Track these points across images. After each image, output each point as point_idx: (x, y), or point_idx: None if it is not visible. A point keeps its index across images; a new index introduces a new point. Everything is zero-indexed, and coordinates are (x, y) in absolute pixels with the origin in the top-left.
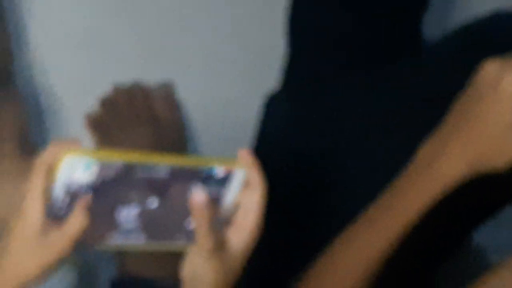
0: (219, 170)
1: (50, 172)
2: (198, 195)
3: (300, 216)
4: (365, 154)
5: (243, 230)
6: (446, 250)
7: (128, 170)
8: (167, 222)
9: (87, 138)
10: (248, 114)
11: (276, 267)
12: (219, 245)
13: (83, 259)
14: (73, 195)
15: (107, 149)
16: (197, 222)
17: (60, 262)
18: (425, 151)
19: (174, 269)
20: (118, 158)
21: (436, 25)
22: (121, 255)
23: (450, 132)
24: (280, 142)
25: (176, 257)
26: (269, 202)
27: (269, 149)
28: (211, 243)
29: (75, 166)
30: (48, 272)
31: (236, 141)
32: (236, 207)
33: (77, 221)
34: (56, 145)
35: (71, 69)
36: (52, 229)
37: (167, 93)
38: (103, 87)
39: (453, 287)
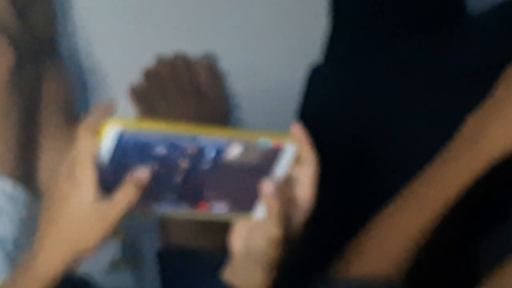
0: (270, 144)
1: (95, 138)
2: (268, 186)
3: (346, 188)
4: (409, 125)
5: (298, 206)
6: (488, 223)
7: (173, 141)
8: (214, 193)
9: (131, 109)
10: (291, 86)
11: (324, 242)
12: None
13: (126, 230)
14: (117, 164)
15: (151, 119)
16: (269, 212)
17: (112, 233)
18: (470, 124)
19: (219, 240)
20: (163, 128)
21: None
22: (164, 226)
23: (496, 106)
24: (323, 114)
25: (220, 229)
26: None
27: (313, 121)
28: (280, 232)
29: (117, 135)
30: (101, 242)
31: (279, 113)
32: (286, 182)
33: (129, 193)
34: (98, 110)
35: (115, 40)
36: (103, 198)
37: (210, 64)
38: (146, 58)
39: (495, 260)
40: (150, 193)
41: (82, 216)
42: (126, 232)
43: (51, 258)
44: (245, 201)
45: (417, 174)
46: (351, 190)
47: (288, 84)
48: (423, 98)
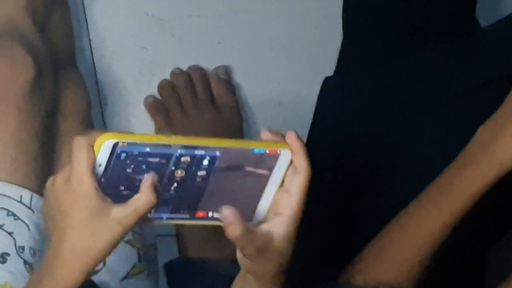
0: (265, 151)
1: (90, 151)
2: (227, 212)
3: (355, 197)
4: (419, 136)
5: (285, 216)
6: (499, 229)
7: (168, 151)
8: (211, 202)
9: (147, 120)
10: (305, 98)
11: (328, 252)
12: (262, 246)
13: (143, 238)
14: (112, 177)
15: (148, 133)
16: (232, 240)
17: (121, 240)
18: (482, 133)
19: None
20: (156, 140)
21: (490, 11)
22: (181, 236)
23: (508, 117)
24: (335, 125)
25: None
26: (325, 184)
27: (325, 132)
28: (252, 249)
29: (112, 148)
30: (111, 250)
31: (293, 125)
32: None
33: (146, 198)
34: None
35: (131, 54)
36: (114, 205)
37: (225, 76)
38: (162, 71)
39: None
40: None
41: (91, 225)
42: (142, 240)
43: (70, 271)
44: (242, 208)
45: (427, 185)
46: (361, 199)
47: (301, 96)
48: (433, 110)
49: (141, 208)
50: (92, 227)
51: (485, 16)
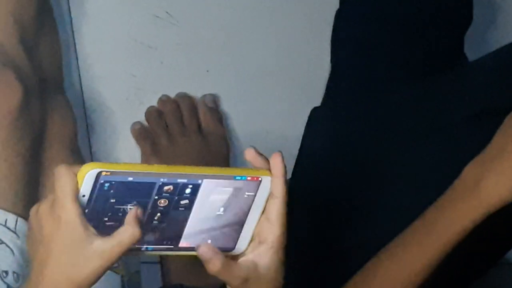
0: (246, 178)
1: (75, 179)
2: (203, 250)
3: (341, 226)
4: (405, 170)
5: (269, 244)
6: (481, 267)
7: (150, 181)
8: (194, 231)
9: (134, 147)
10: (292, 128)
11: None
12: (247, 276)
13: (127, 266)
14: (96, 207)
15: (129, 163)
16: (214, 275)
17: (106, 271)
18: (469, 172)
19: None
20: (139, 169)
21: (477, 45)
22: (164, 263)
23: (498, 153)
24: (322, 156)
25: None
26: (312, 212)
27: (311, 162)
28: (237, 280)
29: (95, 177)
30: (95, 280)
31: None
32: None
33: (130, 232)
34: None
35: (119, 79)
36: (96, 237)
37: (212, 105)
38: (150, 98)
39: None
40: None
41: (72, 255)
42: (126, 267)
43: None
44: (226, 237)
45: (411, 219)
46: (343, 231)
47: (288, 126)
48: (420, 143)
49: (124, 242)
50: (72, 257)
51: (473, 50)
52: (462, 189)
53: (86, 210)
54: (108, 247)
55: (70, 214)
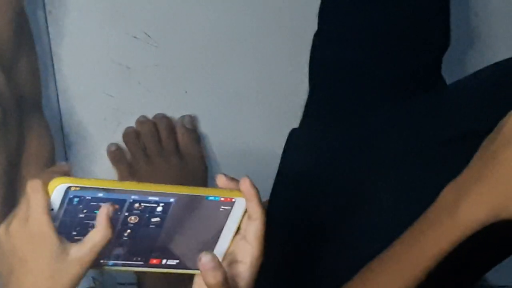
0: (220, 199)
1: (46, 193)
2: (206, 259)
3: (319, 247)
4: (383, 192)
5: (247, 264)
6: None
7: (121, 197)
8: (165, 248)
9: (112, 168)
10: (270, 149)
11: None
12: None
13: (103, 282)
14: (66, 222)
15: (100, 179)
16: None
17: (81, 278)
18: (447, 194)
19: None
20: (110, 185)
21: (455, 68)
22: (140, 278)
23: (474, 176)
24: (300, 177)
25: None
26: (290, 233)
27: (290, 184)
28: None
29: (65, 192)
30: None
31: (257, 176)
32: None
33: (102, 232)
34: (50, 170)
35: (97, 100)
36: (71, 245)
37: (190, 126)
38: (128, 119)
39: None
40: (102, 248)
41: (51, 268)
42: (102, 284)
43: None
44: (197, 256)
45: (388, 241)
46: (321, 252)
47: (267, 147)
48: (398, 166)
49: (98, 243)
50: (52, 269)
51: (450, 73)
52: (439, 212)
53: (56, 224)
54: (84, 252)
55: (45, 227)
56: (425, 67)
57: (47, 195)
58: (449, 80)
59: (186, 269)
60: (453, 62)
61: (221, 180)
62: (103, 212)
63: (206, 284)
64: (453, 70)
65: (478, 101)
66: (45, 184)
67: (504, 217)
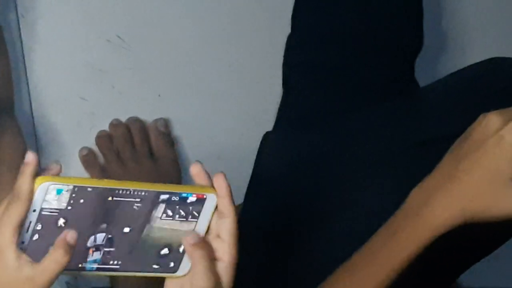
0: (191, 195)
1: (19, 202)
2: (191, 238)
3: (292, 251)
4: (357, 195)
5: (226, 262)
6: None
7: (100, 197)
8: (140, 250)
9: (85, 172)
10: (244, 153)
11: None
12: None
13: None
14: (46, 222)
15: (80, 177)
16: (195, 265)
17: None
18: (416, 196)
19: None
20: (89, 184)
21: (428, 71)
22: (114, 283)
23: (443, 179)
24: (274, 180)
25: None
26: (264, 236)
27: (264, 187)
28: (209, 283)
29: (48, 192)
30: None
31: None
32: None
33: (56, 258)
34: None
35: (70, 103)
36: (26, 264)
37: (164, 129)
38: (101, 122)
39: None
40: (76, 252)
41: (7, 283)
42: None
43: None
44: (169, 257)
45: (362, 243)
46: (296, 255)
47: (241, 150)
48: (372, 169)
49: (51, 268)
50: (4, 282)
51: (423, 76)
52: (407, 214)
53: (39, 225)
54: (37, 273)
55: (5, 241)
56: (398, 70)
57: (23, 208)
58: (422, 83)
59: (161, 272)
60: (426, 64)
61: (196, 167)
62: (61, 238)
63: (196, 260)
64: (426, 73)
65: (450, 105)
66: (27, 196)
67: (474, 219)
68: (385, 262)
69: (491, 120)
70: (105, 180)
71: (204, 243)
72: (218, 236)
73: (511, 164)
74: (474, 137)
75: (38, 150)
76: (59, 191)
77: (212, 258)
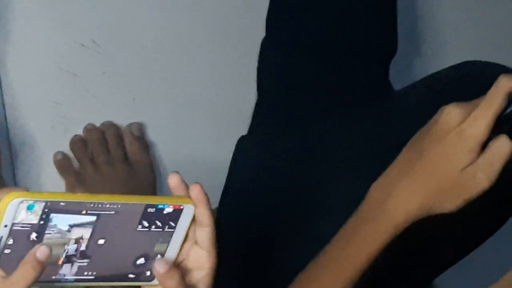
0: (168, 207)
1: None
2: (160, 266)
3: (269, 254)
4: (334, 198)
5: (207, 270)
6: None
7: (73, 210)
8: (116, 260)
9: (59, 176)
10: (219, 157)
11: None
12: None
13: None
14: (18, 237)
15: (52, 191)
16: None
17: None
18: (375, 191)
19: None
20: (62, 198)
21: (402, 74)
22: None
23: (404, 171)
24: (249, 185)
25: None
26: (239, 241)
27: (239, 192)
28: None
29: (19, 208)
30: None
31: (206, 184)
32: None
33: (27, 273)
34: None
35: (44, 107)
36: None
37: (139, 133)
38: (75, 126)
39: None
40: (50, 264)
41: None
42: None
43: None
44: (145, 266)
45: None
46: (272, 258)
47: (215, 155)
48: (348, 173)
49: (18, 283)
50: None
51: (398, 79)
52: (369, 209)
53: (10, 240)
54: (6, 287)
55: None
56: (372, 73)
57: None
58: (396, 86)
59: (137, 281)
60: (400, 68)
61: (174, 179)
62: (31, 254)
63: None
64: (400, 76)
65: (423, 109)
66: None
67: (436, 211)
68: (351, 258)
69: (451, 113)
70: (78, 194)
71: (173, 270)
72: (196, 243)
73: (470, 155)
74: (436, 130)
75: (12, 154)
76: (30, 207)
77: (184, 283)
